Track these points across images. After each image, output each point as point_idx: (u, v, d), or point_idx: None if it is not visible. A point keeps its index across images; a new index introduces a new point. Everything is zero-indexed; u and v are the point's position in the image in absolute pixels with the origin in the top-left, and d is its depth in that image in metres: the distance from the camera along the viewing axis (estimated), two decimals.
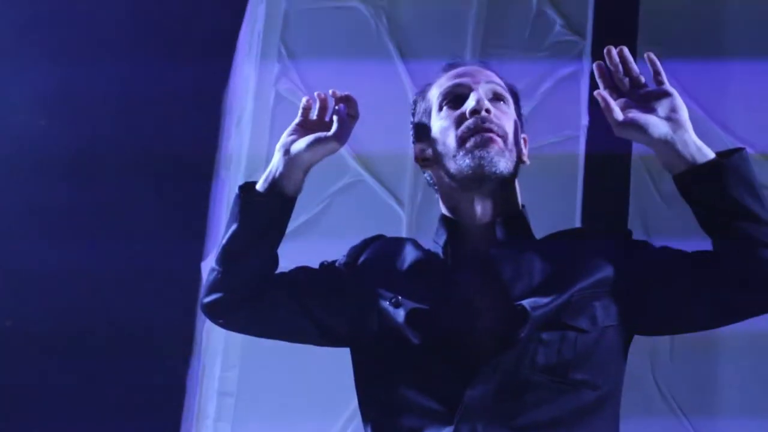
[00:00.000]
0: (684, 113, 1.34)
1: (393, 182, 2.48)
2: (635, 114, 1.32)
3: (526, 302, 1.38)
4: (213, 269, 1.54)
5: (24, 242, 3.63)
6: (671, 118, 1.33)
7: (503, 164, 1.43)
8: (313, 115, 1.51)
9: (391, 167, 2.46)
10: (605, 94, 1.34)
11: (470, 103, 1.46)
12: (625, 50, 1.36)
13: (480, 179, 1.43)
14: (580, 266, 1.43)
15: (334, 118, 1.48)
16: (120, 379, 3.41)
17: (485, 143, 1.43)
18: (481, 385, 1.37)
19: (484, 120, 1.44)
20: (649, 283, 1.41)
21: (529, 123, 1.80)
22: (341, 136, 1.47)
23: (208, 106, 3.24)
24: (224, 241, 1.53)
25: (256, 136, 2.27)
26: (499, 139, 1.44)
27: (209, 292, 1.56)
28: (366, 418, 1.50)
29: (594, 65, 1.36)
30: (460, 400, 1.37)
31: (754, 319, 1.52)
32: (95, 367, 3.48)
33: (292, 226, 1.98)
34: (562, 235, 1.53)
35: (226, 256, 1.53)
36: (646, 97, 1.36)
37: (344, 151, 2.29)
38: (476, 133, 1.44)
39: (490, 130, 1.44)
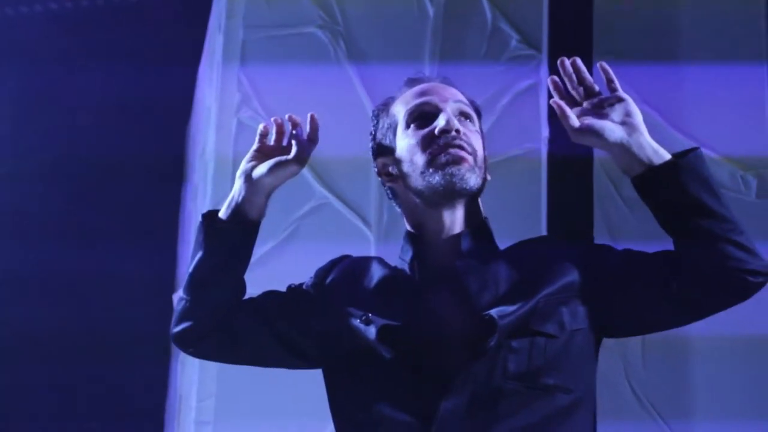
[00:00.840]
0: (638, 117, 1.36)
1: (358, 203, 2.48)
2: (590, 120, 1.35)
3: (494, 311, 1.38)
4: (181, 298, 1.54)
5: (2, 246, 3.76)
6: (626, 122, 1.36)
7: (473, 180, 1.45)
8: (271, 140, 1.50)
9: (356, 188, 2.46)
10: (561, 102, 1.36)
11: (440, 123, 1.47)
12: (578, 60, 1.38)
13: (450, 195, 1.45)
14: (545, 273, 1.44)
15: (293, 141, 1.49)
16: (100, 382, 3.51)
17: (457, 161, 1.45)
18: (455, 397, 1.38)
19: (454, 138, 1.46)
20: (614, 286, 1.42)
21: (491, 136, 1.79)
22: (301, 159, 1.47)
23: (176, 117, 3.27)
24: (191, 270, 1.53)
25: (220, 166, 2.27)
26: (469, 157, 1.46)
27: (178, 322, 1.55)
28: (339, 418, 1.51)
29: (548, 79, 1.38)
30: (435, 413, 1.37)
31: (724, 322, 1.58)
32: (75, 371, 3.57)
33: (259, 253, 1.99)
34: (526, 244, 1.55)
35: (193, 284, 1.52)
36: (600, 104, 1.38)
37: (308, 174, 2.45)
38: (447, 150, 1.46)
39: (461, 148, 1.46)
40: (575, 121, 1.34)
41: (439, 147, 1.45)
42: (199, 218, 1.53)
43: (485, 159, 1.53)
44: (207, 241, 1.51)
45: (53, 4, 3.47)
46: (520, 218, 2.22)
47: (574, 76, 1.38)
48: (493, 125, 2.34)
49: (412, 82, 1.58)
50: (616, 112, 1.37)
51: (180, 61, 3.04)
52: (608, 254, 1.48)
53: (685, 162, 1.34)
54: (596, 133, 1.35)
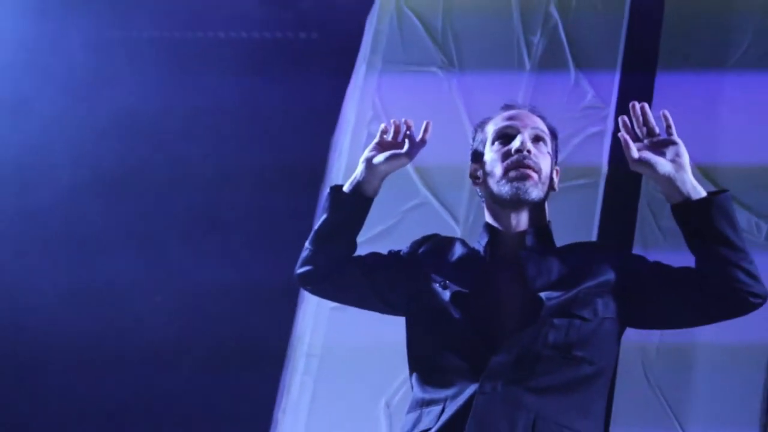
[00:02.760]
0: (685, 158, 1.56)
1: (452, 204, 2.91)
2: (647, 154, 1.53)
3: (544, 294, 1.61)
4: (306, 248, 1.80)
5: (131, 252, 4.26)
6: (675, 161, 1.54)
7: (535, 193, 1.66)
8: (389, 137, 1.75)
9: (451, 192, 2.88)
10: (626, 136, 1.54)
11: (516, 143, 1.68)
12: (646, 105, 1.58)
13: (516, 203, 1.67)
14: (588, 270, 1.66)
15: (406, 140, 1.73)
16: (219, 383, 3.90)
17: (523, 177, 1.67)
18: (503, 355, 1.58)
19: (525, 158, 1.67)
20: (644, 288, 1.63)
21: (563, 165, 2.09)
22: (410, 154, 1.71)
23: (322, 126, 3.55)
24: (316, 227, 1.78)
25: (350, 171, 2.64)
26: (534, 174, 1.66)
27: (302, 265, 1.81)
28: (412, 370, 1.74)
29: (620, 118, 1.56)
30: (486, 364, 1.58)
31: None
32: (198, 375, 4.01)
33: (370, 234, 2.46)
34: (578, 246, 1.78)
35: (316, 238, 1.78)
36: (658, 144, 1.56)
37: (416, 178, 2.93)
38: (518, 167, 1.67)
39: (529, 167, 1.67)
40: (635, 153, 1.53)
41: (512, 163, 1.66)
42: (327, 189, 1.81)
43: (553, 175, 1.75)
44: (331, 207, 1.76)
45: (236, 33, 3.99)
46: (575, 234, 2.55)
47: (641, 118, 1.56)
48: (564, 158, 2.67)
49: (506, 107, 1.81)
50: (669, 152, 1.55)
51: (338, 80, 3.44)
52: (641, 262, 1.71)
53: (716, 200, 1.54)
54: (650, 166, 1.53)
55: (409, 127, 1.77)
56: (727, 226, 1.55)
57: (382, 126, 1.80)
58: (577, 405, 1.63)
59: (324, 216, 1.79)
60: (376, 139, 1.79)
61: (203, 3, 3.88)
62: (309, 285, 1.84)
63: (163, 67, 4.27)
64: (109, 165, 4.22)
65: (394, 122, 1.79)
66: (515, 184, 1.68)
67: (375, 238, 2.69)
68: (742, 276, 1.53)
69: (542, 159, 1.71)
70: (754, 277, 1.55)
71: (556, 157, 1.78)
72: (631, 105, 1.59)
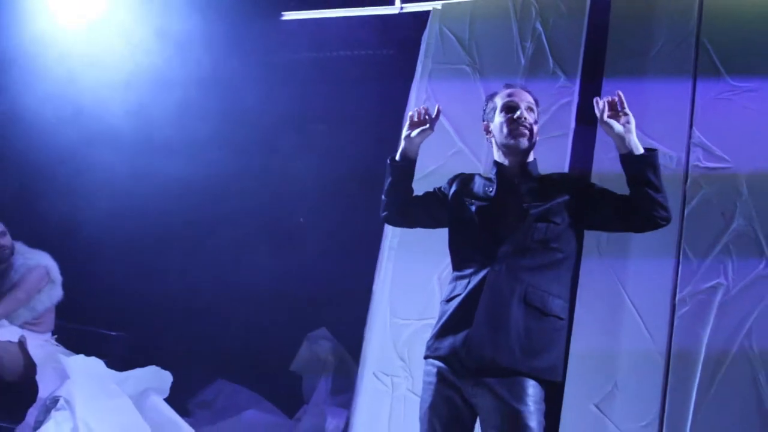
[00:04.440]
0: (633, 125, 1.99)
1: (476, 150, 3.65)
2: (610, 120, 2.00)
3: (530, 206, 2.05)
4: (383, 199, 2.27)
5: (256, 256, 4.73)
6: (625, 126, 1.99)
7: (526, 144, 2.14)
8: (415, 118, 2.23)
9: (476, 142, 3.59)
10: (603, 102, 1.99)
11: (518, 113, 2.13)
12: (620, 92, 2.02)
13: (515, 150, 2.14)
14: (560, 190, 2.09)
15: (427, 118, 2.21)
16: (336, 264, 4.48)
17: (521, 135, 2.14)
18: (506, 246, 2.04)
19: (522, 123, 2.13)
20: (593, 204, 2.08)
21: (545, 124, 2.98)
22: (432, 127, 2.20)
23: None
24: (385, 186, 2.25)
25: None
26: (527, 132, 2.14)
27: (382, 211, 2.28)
28: (451, 257, 2.19)
29: (594, 99, 2.03)
30: (495, 253, 2.02)
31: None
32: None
33: (426, 171, 3.35)
34: (554, 175, 2.21)
35: (386, 192, 2.25)
36: (616, 114, 2.01)
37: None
38: (517, 128, 2.13)
39: (525, 128, 2.14)
40: (605, 116, 1.98)
41: (514, 125, 2.13)
42: (388, 161, 2.24)
43: (536, 133, 2.17)
44: (391, 170, 2.24)
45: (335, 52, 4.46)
46: (554, 167, 2.82)
47: (616, 98, 2.01)
48: (547, 119, 3.48)
49: (506, 86, 2.24)
50: (623, 119, 2.00)
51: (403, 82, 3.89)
52: (594, 187, 2.15)
53: (649, 155, 1.97)
54: (611, 126, 1.97)
55: (427, 111, 2.21)
56: (652, 173, 1.95)
57: (410, 112, 2.22)
58: (553, 277, 2.07)
59: (389, 178, 2.26)
60: (408, 122, 2.23)
61: (304, 29, 4.33)
62: (389, 222, 2.38)
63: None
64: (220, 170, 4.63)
65: (417, 110, 2.23)
66: (517, 138, 2.14)
67: (429, 174, 3.55)
68: (657, 207, 1.97)
69: (533, 122, 2.17)
70: (665, 208, 1.98)
71: (538, 117, 2.23)
72: (616, 92, 2.02)
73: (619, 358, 3.20)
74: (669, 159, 3.32)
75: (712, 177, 3.23)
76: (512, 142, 2.11)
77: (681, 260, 3.21)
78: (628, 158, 1.96)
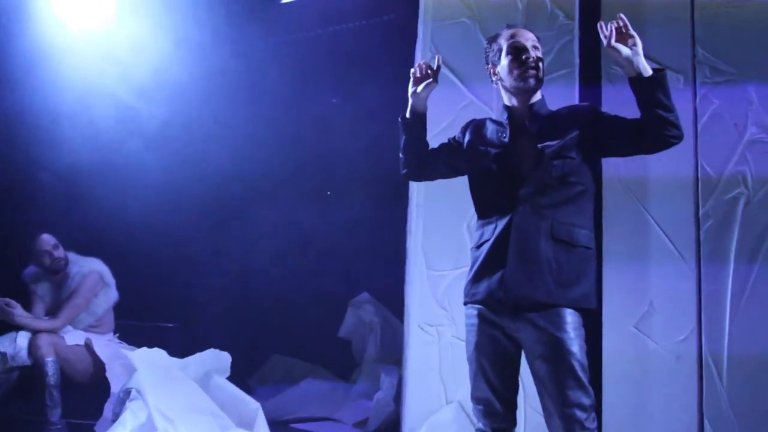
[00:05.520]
0: (640, 47, 1.96)
1: (486, 100, 3.70)
2: (617, 44, 1.98)
3: (544, 145, 2.09)
4: (400, 157, 2.30)
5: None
6: (632, 49, 1.97)
7: (536, 85, 2.17)
8: (418, 74, 2.26)
9: (487, 92, 3.62)
10: (608, 26, 1.96)
11: (525, 53, 2.14)
12: (623, 16, 1.97)
13: (525, 90, 2.16)
14: (570, 125, 2.11)
15: (429, 72, 2.23)
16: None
17: (530, 75, 2.15)
18: (526, 187, 2.09)
19: (531, 63, 2.15)
20: (606, 131, 2.09)
21: (551, 62, 3.07)
22: (436, 79, 2.23)
23: None
24: (401, 144, 2.30)
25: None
26: (535, 72, 2.15)
27: (402, 168, 2.35)
28: (475, 205, 2.26)
29: (598, 23, 1.99)
30: (517, 195, 2.08)
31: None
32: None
33: (441, 127, 3.36)
34: (565, 109, 2.22)
35: (403, 149, 2.32)
36: (623, 36, 1.98)
37: (461, 85, 3.69)
38: (528, 69, 2.15)
39: (534, 68, 2.16)
40: (612, 41, 1.96)
41: (526, 66, 2.14)
42: (399, 120, 2.30)
43: (543, 69, 2.17)
44: (403, 128, 2.30)
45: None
46: (564, 101, 2.53)
47: (618, 22, 1.97)
48: (552, 58, 3.52)
49: (508, 27, 2.25)
50: (630, 42, 1.98)
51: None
52: (606, 115, 2.15)
53: (657, 75, 1.95)
54: (617, 50, 1.96)
55: (428, 66, 2.24)
56: (662, 94, 1.95)
57: (412, 69, 2.26)
58: (576, 210, 2.11)
59: (403, 136, 2.33)
60: (412, 79, 2.27)
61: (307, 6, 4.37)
62: (410, 178, 2.46)
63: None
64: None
65: (418, 65, 2.26)
66: (524, 80, 2.15)
67: (444, 129, 3.49)
68: (669, 127, 1.97)
69: (539, 61, 2.18)
70: (677, 126, 1.98)
71: (542, 59, 2.20)
72: (618, 15, 2.00)
73: (651, 278, 3.27)
74: (676, 80, 3.33)
75: (720, 90, 3.24)
76: (522, 84, 2.14)
77: (700, 176, 3.24)
78: (637, 81, 1.96)
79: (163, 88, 4.56)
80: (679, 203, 3.25)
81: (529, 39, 2.16)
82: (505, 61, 2.16)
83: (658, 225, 3.28)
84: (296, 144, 5.12)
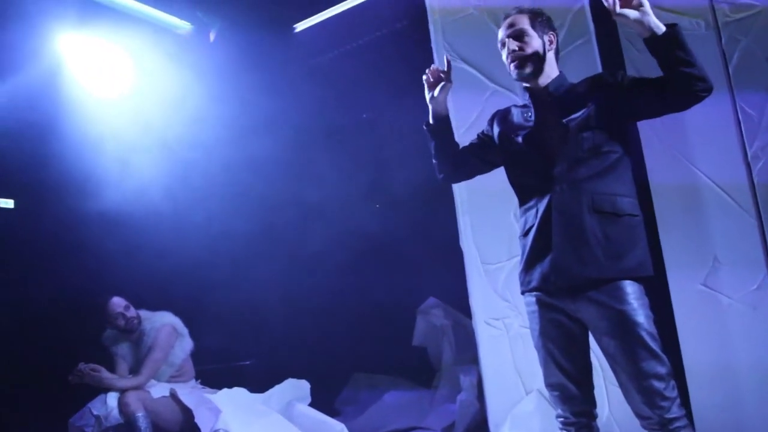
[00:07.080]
0: (648, 7, 1.92)
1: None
2: (623, 10, 1.94)
3: (567, 120, 2.07)
4: (434, 162, 2.33)
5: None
6: (640, 10, 1.94)
7: (529, 69, 2.16)
8: (431, 79, 2.29)
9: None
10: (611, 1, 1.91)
11: (505, 50, 2.19)
12: None
13: (524, 80, 2.20)
14: (593, 95, 2.08)
15: (442, 75, 2.25)
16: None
17: (517, 66, 2.18)
18: (559, 165, 2.07)
19: (512, 53, 2.17)
20: (631, 97, 2.04)
21: (567, 34, 3.00)
22: (450, 79, 2.26)
23: None
24: (432, 150, 2.33)
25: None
26: (518, 60, 2.15)
27: (438, 172, 2.38)
28: (516, 192, 2.25)
29: None
30: (552, 175, 2.06)
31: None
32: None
33: (470, 121, 3.48)
34: (586, 79, 2.19)
35: (435, 154, 2.35)
36: (628, 1, 1.94)
37: (484, 79, 3.65)
38: (513, 61, 2.18)
39: (515, 59, 2.17)
40: (618, 9, 1.93)
41: (510, 60, 2.19)
42: (424, 127, 2.32)
43: (546, 43, 2.15)
44: (430, 133, 2.34)
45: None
46: (588, 70, 2.57)
47: None
48: (566, 29, 3.49)
49: (506, 17, 2.24)
50: (635, 2, 1.95)
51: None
52: (627, 79, 2.10)
53: (670, 31, 1.91)
54: (625, 15, 1.93)
55: (438, 69, 2.27)
56: (680, 49, 1.91)
57: (424, 76, 2.28)
58: (615, 178, 2.07)
59: (431, 142, 2.36)
60: (426, 86, 2.31)
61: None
62: (448, 181, 2.46)
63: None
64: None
65: (429, 70, 2.28)
66: (516, 71, 2.21)
67: (474, 122, 3.69)
68: (694, 81, 1.90)
69: (525, 45, 2.16)
70: (703, 78, 1.90)
71: (550, 27, 2.20)
72: None
73: (711, 232, 3.16)
74: (697, 25, 3.20)
75: (745, 26, 3.12)
76: (515, 75, 2.17)
77: (741, 118, 3.12)
78: (652, 41, 1.92)
79: (199, 135, 4.73)
80: (725, 150, 3.13)
81: (511, 28, 2.16)
82: (503, 53, 2.22)
83: (707, 176, 3.18)
84: (333, 165, 5.20)
